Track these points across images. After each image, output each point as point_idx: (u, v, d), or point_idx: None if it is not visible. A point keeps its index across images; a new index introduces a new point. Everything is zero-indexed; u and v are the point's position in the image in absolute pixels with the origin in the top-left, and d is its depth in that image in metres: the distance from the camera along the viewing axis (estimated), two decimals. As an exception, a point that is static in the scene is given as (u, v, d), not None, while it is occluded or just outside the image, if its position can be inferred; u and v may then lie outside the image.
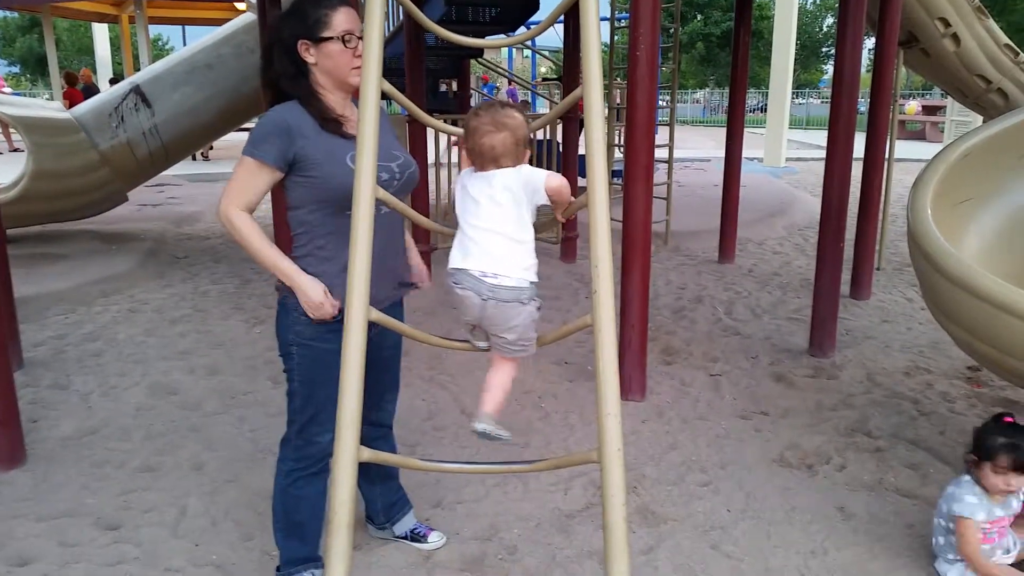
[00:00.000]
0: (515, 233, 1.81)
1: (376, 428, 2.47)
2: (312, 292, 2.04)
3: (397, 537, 2.68)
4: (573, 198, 1.89)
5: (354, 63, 2.05)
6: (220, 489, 3.06)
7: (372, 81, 1.68)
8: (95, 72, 19.60)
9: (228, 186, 2.03)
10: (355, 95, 2.10)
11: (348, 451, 1.58)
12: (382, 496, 2.65)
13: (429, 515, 2.85)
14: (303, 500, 2.29)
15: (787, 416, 3.75)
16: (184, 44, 19.93)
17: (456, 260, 1.86)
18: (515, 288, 1.81)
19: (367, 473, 2.57)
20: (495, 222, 1.81)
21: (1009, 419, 2.44)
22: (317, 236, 2.10)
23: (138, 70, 13.07)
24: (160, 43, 40.58)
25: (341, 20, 2.04)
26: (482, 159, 1.85)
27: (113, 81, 13.59)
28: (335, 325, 2.07)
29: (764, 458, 3.33)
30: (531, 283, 1.84)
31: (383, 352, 2.35)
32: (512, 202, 1.81)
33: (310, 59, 2.07)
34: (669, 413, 3.78)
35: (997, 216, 3.55)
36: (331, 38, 2.04)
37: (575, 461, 1.77)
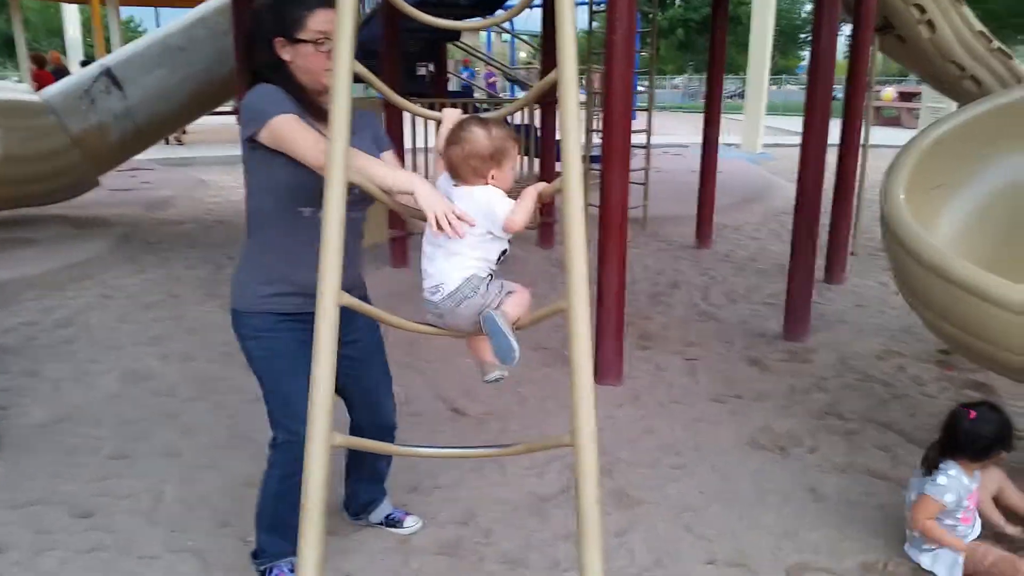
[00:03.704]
0: (455, 247, 1.84)
1: (382, 431, 2.43)
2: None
3: (373, 524, 2.69)
4: (546, 183, 1.89)
5: (327, 65, 2.01)
6: (196, 475, 3.05)
7: (344, 63, 1.66)
8: (65, 54, 19.22)
9: (299, 148, 1.91)
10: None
11: (320, 435, 1.57)
12: (365, 493, 2.66)
13: (406, 500, 2.85)
14: (295, 504, 2.26)
15: (761, 399, 3.79)
16: (157, 27, 19.58)
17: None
18: (456, 292, 1.84)
19: (359, 471, 2.61)
20: (442, 238, 1.84)
21: (973, 413, 2.47)
22: (272, 228, 2.11)
23: (110, 52, 12.85)
24: (133, 25, 39.88)
25: (317, 22, 2.00)
26: (448, 169, 1.91)
27: (84, 64, 13.34)
28: (286, 316, 2.13)
29: (738, 441, 3.37)
30: (471, 275, 1.85)
31: (356, 352, 2.32)
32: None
33: (286, 56, 2.05)
34: (645, 397, 3.81)
35: (969, 202, 3.59)
36: (305, 40, 2.02)
37: (549, 445, 1.78)
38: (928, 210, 3.37)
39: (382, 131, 2.32)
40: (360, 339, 2.33)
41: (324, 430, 1.58)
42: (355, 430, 2.41)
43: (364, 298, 2.31)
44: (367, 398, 2.42)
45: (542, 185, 1.86)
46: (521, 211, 1.81)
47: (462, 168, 1.87)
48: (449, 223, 1.77)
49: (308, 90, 2.06)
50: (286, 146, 1.94)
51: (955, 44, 6.45)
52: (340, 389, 2.32)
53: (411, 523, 2.69)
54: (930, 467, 2.48)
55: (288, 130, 1.93)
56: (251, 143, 2.02)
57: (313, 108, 2.05)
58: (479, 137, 1.85)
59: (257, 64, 2.08)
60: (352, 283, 2.20)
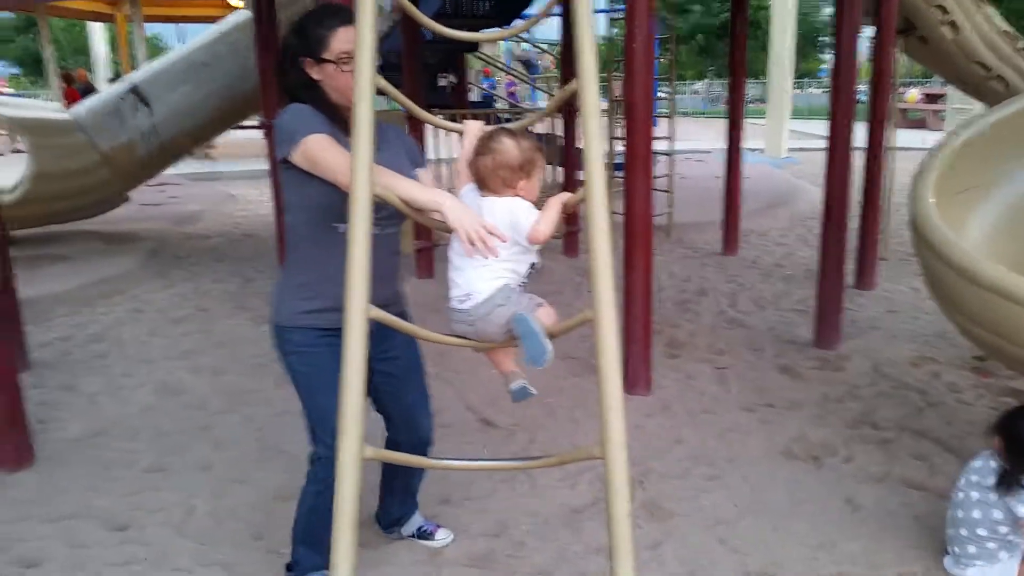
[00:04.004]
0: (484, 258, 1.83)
1: (418, 447, 2.42)
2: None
3: (404, 536, 2.69)
4: (570, 192, 1.88)
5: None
6: (228, 489, 3.07)
7: (365, 77, 1.66)
8: (92, 72, 19.54)
9: (330, 168, 1.91)
10: None
11: (352, 448, 1.57)
12: (398, 507, 2.67)
13: (437, 511, 2.85)
14: (330, 519, 2.27)
15: (793, 408, 3.74)
16: (180, 43, 19.83)
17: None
18: (489, 299, 1.84)
19: (392, 486, 2.62)
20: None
21: None
22: (308, 245, 2.13)
23: (136, 69, 13.05)
24: (158, 42, 40.49)
25: (340, 41, 2.02)
26: (476, 180, 1.91)
27: (112, 81, 13.57)
28: (326, 331, 2.12)
29: (770, 451, 3.33)
30: (503, 284, 1.85)
31: (395, 369, 2.34)
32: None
33: (315, 76, 2.07)
34: (675, 407, 3.78)
35: (999, 205, 3.53)
36: (330, 60, 2.04)
37: (579, 457, 1.77)
38: (958, 213, 3.32)
39: (415, 147, 2.32)
40: (399, 356, 2.34)
41: (355, 443, 1.58)
42: (391, 446, 2.41)
43: (403, 314, 2.28)
44: (405, 414, 2.42)
45: (566, 195, 1.86)
46: (546, 222, 1.81)
47: (491, 179, 1.86)
48: (482, 240, 1.76)
49: (340, 108, 2.07)
50: (318, 166, 1.95)
51: (979, 44, 6.35)
52: (379, 406, 2.34)
53: (442, 536, 2.69)
54: (1009, 485, 2.34)
55: (319, 150, 1.94)
56: (284, 163, 2.03)
57: (345, 126, 2.05)
58: (509, 148, 1.85)
59: (289, 84, 2.11)
60: (389, 299, 2.20)
